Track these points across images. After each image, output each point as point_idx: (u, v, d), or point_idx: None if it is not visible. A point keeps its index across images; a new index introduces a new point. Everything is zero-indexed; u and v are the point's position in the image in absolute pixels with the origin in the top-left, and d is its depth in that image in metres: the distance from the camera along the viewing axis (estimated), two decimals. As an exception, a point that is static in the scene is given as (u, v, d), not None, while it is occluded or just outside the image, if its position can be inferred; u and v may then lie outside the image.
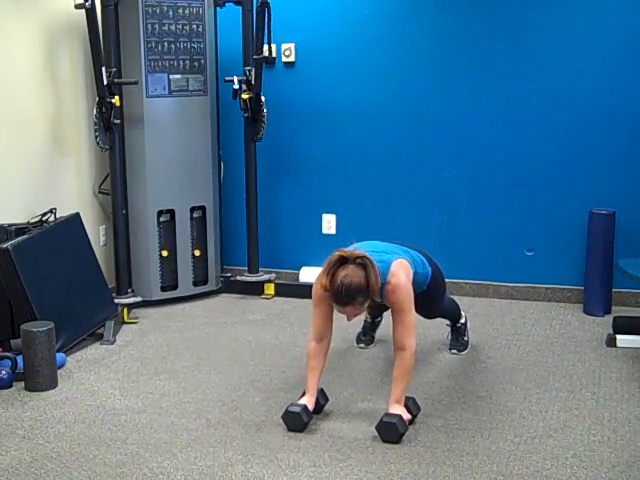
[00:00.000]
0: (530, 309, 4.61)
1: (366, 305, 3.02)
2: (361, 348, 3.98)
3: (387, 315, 3.62)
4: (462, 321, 3.91)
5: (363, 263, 2.91)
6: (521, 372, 3.64)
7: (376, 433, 2.97)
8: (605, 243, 4.42)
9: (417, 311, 3.17)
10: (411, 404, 3.09)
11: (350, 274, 2.88)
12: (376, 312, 3.95)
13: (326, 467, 2.78)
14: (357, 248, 3.06)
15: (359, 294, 2.90)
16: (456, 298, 4.72)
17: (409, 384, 3.07)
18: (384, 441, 2.94)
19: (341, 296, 2.90)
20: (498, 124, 4.67)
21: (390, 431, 2.94)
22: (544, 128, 4.59)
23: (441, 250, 4.82)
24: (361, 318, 3.83)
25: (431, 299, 3.51)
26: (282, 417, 3.08)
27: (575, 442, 2.94)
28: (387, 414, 2.98)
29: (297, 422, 3.04)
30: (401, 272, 3.05)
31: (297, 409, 3.05)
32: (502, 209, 4.74)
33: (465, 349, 3.88)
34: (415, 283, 3.21)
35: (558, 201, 4.63)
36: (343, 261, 2.92)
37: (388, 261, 3.06)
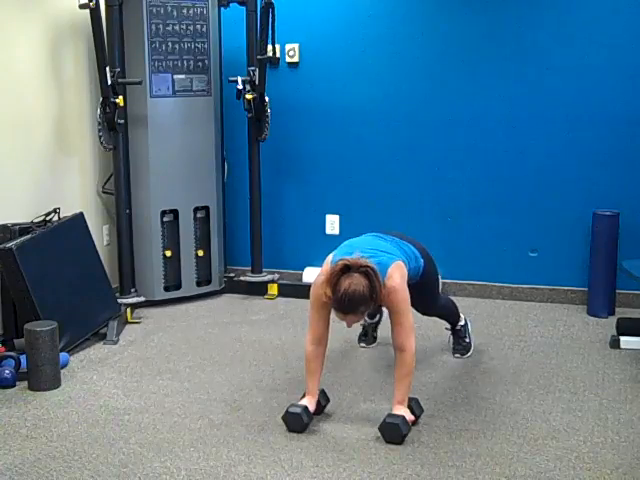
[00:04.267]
0: (533, 310, 4.60)
1: (366, 313, 3.04)
2: (362, 348, 3.98)
3: (386, 315, 3.62)
4: (461, 323, 3.88)
5: (367, 272, 2.89)
6: (524, 373, 3.64)
7: (379, 434, 2.97)
8: (609, 244, 4.41)
9: (413, 306, 3.15)
10: (414, 405, 3.09)
11: (354, 283, 2.86)
12: (371, 314, 3.95)
13: (329, 468, 2.78)
14: (355, 249, 3.06)
15: (362, 304, 2.90)
16: (459, 299, 4.71)
17: (411, 385, 3.07)
18: (387, 442, 2.94)
19: (344, 306, 2.89)
20: (502, 125, 4.66)
21: (393, 432, 2.94)
22: (547, 129, 4.59)
23: (445, 251, 4.83)
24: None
25: (425, 290, 3.47)
26: (282, 417, 3.08)
27: (578, 444, 2.94)
28: (390, 415, 2.98)
29: (297, 422, 3.04)
30: (397, 274, 3.04)
31: (297, 410, 3.05)
32: (505, 210, 4.73)
33: (468, 352, 3.86)
34: (408, 277, 3.19)
35: (562, 202, 4.62)
36: (346, 269, 2.90)
37: (386, 263, 3.05)
